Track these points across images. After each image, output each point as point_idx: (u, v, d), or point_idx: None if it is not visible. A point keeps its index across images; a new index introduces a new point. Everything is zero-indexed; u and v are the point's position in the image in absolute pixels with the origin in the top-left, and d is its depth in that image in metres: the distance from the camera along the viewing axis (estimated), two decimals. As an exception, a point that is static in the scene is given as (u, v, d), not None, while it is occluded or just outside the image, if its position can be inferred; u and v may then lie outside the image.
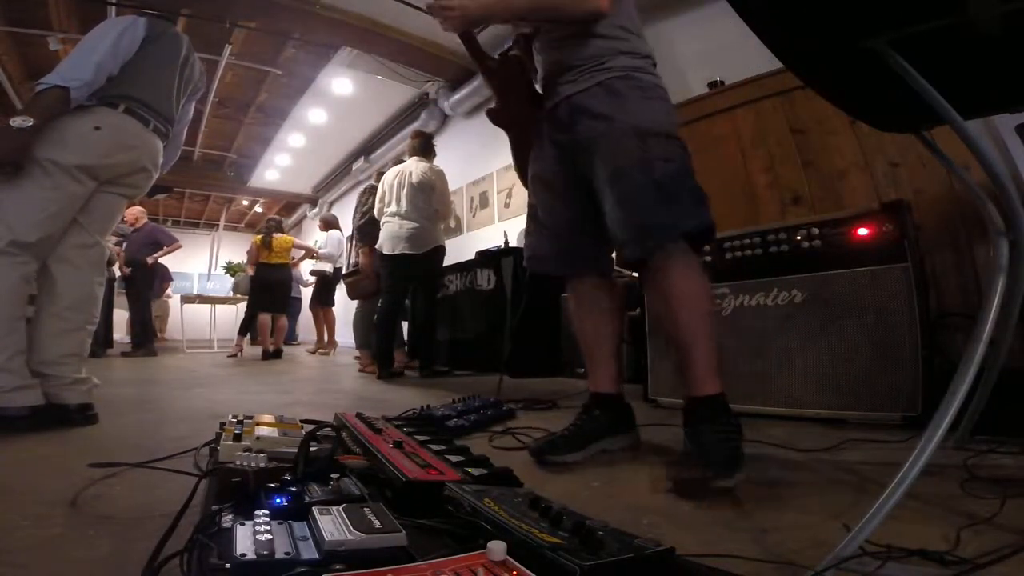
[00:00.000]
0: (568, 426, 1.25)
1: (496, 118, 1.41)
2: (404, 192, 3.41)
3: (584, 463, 1.17)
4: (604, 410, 1.28)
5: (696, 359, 1.12)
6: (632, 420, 1.32)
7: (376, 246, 3.51)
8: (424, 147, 3.60)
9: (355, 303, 4.11)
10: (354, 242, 4.03)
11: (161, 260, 5.41)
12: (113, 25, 1.59)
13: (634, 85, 1.19)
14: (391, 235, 3.39)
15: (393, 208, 3.44)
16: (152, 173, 1.72)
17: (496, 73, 1.37)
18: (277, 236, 5.26)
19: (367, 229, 3.83)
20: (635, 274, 1.29)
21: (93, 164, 1.51)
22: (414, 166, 3.49)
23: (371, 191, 4.00)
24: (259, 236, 5.26)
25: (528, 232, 1.40)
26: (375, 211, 3.62)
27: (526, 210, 1.44)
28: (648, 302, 1.24)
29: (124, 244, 5.03)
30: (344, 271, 5.20)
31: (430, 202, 3.40)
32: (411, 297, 3.61)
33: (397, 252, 3.35)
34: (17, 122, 1.36)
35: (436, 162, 3.66)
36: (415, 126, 6.41)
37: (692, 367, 1.13)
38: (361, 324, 3.94)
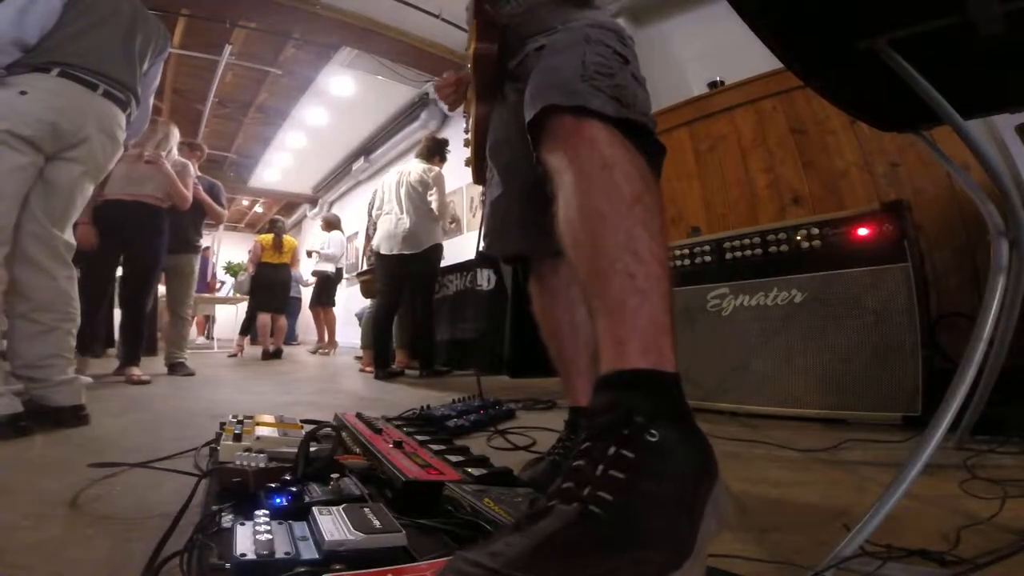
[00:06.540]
0: (554, 449, 1.05)
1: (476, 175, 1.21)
2: (403, 191, 3.44)
3: None
4: None
5: (623, 291, 0.56)
6: None
7: (372, 244, 3.52)
8: (430, 151, 3.63)
9: (358, 304, 4.11)
10: (367, 241, 4.04)
11: None
12: None
13: (597, 28, 0.93)
14: (388, 235, 3.42)
15: (391, 207, 3.46)
16: (105, 141, 1.58)
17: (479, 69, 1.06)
18: (285, 237, 5.28)
19: None
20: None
21: (25, 132, 1.40)
22: (414, 167, 3.53)
23: None
24: (267, 236, 5.26)
25: (484, 217, 1.18)
26: (372, 210, 3.63)
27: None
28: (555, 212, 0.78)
29: None
30: (348, 270, 5.19)
31: (426, 201, 3.42)
32: (410, 296, 3.61)
33: (394, 252, 3.37)
34: None
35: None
36: (415, 126, 6.43)
37: (625, 313, 0.55)
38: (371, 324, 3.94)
